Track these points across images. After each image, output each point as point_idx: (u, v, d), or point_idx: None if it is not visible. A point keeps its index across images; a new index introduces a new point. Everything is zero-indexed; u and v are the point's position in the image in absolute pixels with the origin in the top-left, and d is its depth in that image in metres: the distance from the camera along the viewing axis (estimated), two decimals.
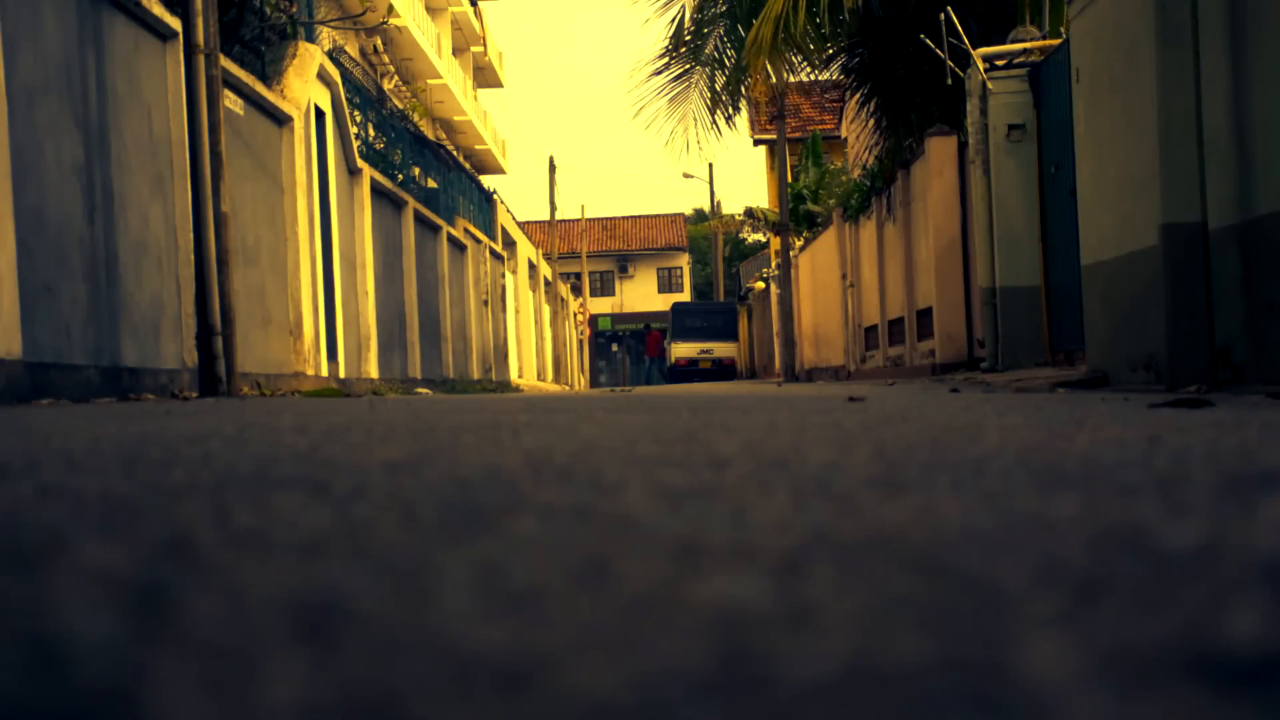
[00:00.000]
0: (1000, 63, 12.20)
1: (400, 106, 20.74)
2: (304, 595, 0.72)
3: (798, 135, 34.51)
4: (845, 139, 29.96)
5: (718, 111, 21.40)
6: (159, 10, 8.98)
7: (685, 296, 65.02)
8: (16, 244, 6.65)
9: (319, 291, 13.22)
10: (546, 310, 34.77)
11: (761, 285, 40.18)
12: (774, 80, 18.60)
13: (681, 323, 46.16)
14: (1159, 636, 0.60)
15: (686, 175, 63.73)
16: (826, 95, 24.44)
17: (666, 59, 21.61)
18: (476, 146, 45.19)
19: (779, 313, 27.10)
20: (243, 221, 10.84)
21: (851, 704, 0.49)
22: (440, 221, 20.12)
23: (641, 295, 67.11)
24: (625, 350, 61.77)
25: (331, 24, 16.46)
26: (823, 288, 25.91)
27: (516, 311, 28.51)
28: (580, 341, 47.97)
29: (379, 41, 31.23)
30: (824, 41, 16.56)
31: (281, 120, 12.40)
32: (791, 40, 15.75)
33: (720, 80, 20.96)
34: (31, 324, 6.82)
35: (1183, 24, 6.73)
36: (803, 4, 14.68)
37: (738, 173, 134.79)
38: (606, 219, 69.92)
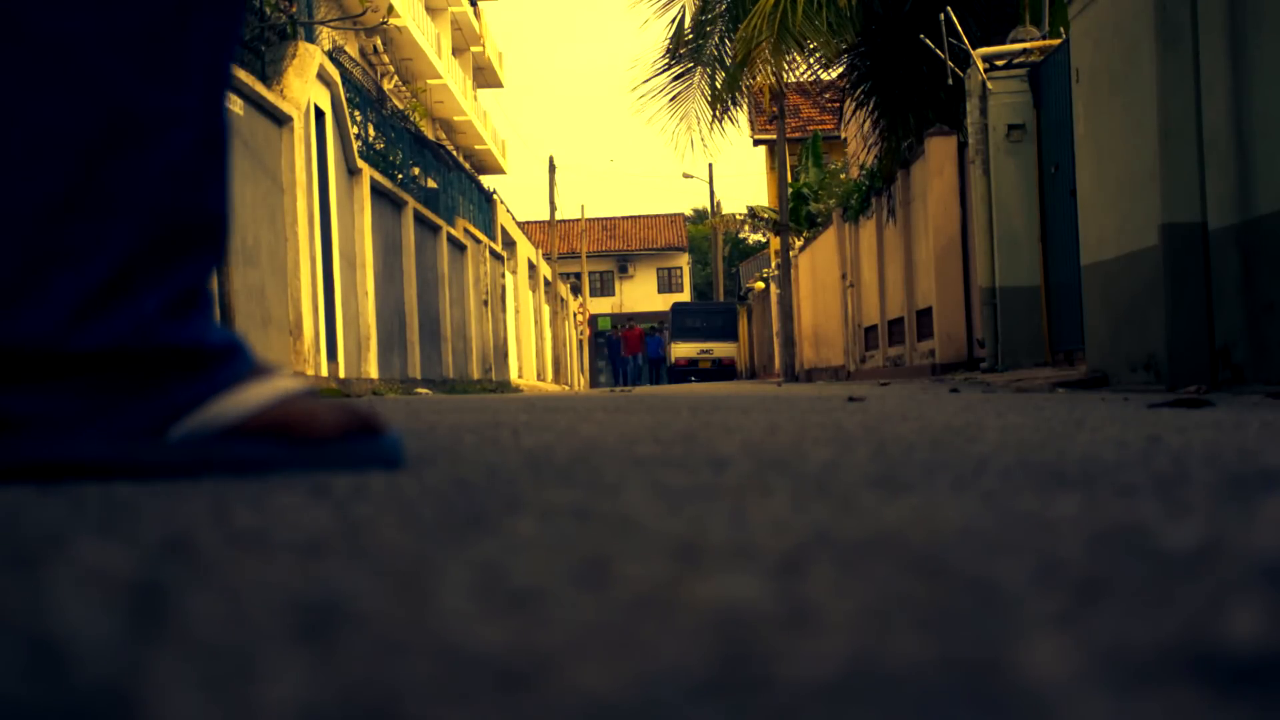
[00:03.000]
0: (1000, 63, 12.20)
1: (400, 106, 20.74)
2: (303, 595, 0.72)
3: (798, 135, 34.52)
4: (845, 139, 29.95)
5: (717, 108, 21.39)
6: None
7: (685, 296, 65.00)
8: None
9: (319, 291, 13.21)
10: (546, 310, 34.76)
11: (761, 285, 40.17)
12: (773, 80, 18.58)
13: (681, 323, 46.10)
14: (1159, 636, 0.60)
15: (686, 175, 63.80)
16: (826, 95, 24.45)
17: (667, 59, 21.59)
18: (476, 146, 45.20)
19: (779, 313, 27.09)
20: (243, 221, 10.84)
21: (851, 704, 0.49)
22: (440, 221, 20.10)
23: (641, 295, 67.09)
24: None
25: (331, 24, 16.46)
26: (822, 288, 25.91)
27: (516, 311, 28.51)
28: (580, 341, 47.95)
29: (379, 41, 31.23)
30: (830, 36, 16.56)
31: (281, 120, 12.40)
32: (790, 36, 15.73)
33: (721, 79, 20.96)
34: None
35: (1182, 24, 6.72)
36: (800, 2, 14.68)
37: (738, 172, 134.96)
38: (606, 219, 69.88)
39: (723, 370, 44.47)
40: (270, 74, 12.40)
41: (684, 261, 67.34)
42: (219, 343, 1.44)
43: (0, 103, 1.33)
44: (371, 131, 16.63)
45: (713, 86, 20.93)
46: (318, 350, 12.93)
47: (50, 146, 1.33)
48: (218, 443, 1.42)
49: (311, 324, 12.69)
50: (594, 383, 51.31)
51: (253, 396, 1.43)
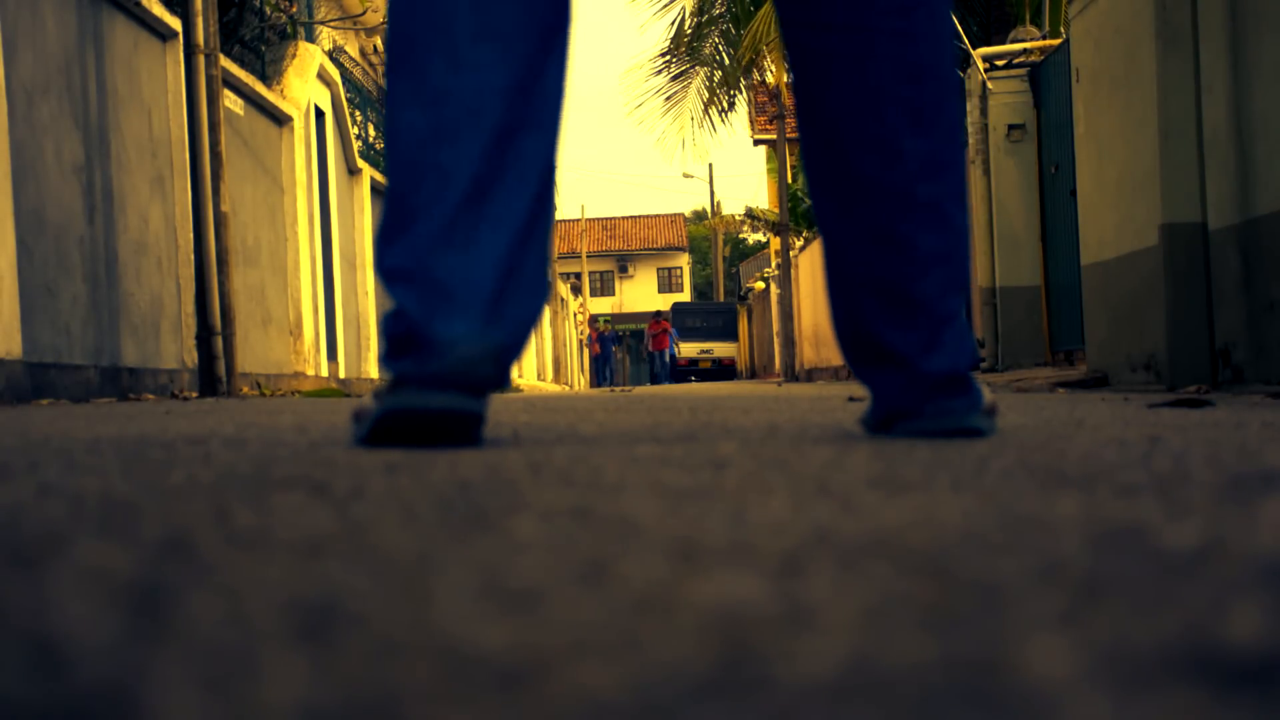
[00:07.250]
0: (1000, 63, 12.19)
1: None
2: (303, 595, 0.72)
3: (797, 135, 34.43)
4: None
5: (714, 109, 21.45)
6: (159, 10, 8.98)
7: (685, 296, 64.96)
8: (16, 244, 6.65)
9: (319, 291, 13.20)
10: (546, 310, 34.72)
11: (761, 285, 40.14)
12: (784, 75, 18.62)
13: (681, 323, 46.06)
14: (1160, 636, 0.60)
15: (686, 175, 63.88)
16: None
17: (667, 59, 21.64)
18: None
19: (779, 313, 27.07)
20: (243, 221, 10.84)
21: (851, 704, 0.49)
22: None
23: (641, 295, 67.06)
24: (625, 350, 61.71)
25: (331, 24, 16.46)
26: (823, 288, 25.86)
27: None
28: (580, 342, 47.90)
29: (379, 41, 31.22)
30: None
31: (281, 120, 12.39)
32: None
33: (718, 77, 21.00)
34: (31, 324, 6.82)
35: (1183, 24, 6.73)
36: None
37: (738, 173, 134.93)
38: (606, 219, 69.85)
39: (723, 370, 44.44)
40: (270, 74, 12.40)
41: (684, 261, 67.33)
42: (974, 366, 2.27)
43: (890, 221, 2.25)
44: (371, 131, 16.63)
45: (710, 87, 20.98)
46: (318, 350, 12.93)
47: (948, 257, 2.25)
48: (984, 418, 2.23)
49: (311, 324, 12.69)
50: (594, 383, 51.18)
51: (987, 394, 2.29)
